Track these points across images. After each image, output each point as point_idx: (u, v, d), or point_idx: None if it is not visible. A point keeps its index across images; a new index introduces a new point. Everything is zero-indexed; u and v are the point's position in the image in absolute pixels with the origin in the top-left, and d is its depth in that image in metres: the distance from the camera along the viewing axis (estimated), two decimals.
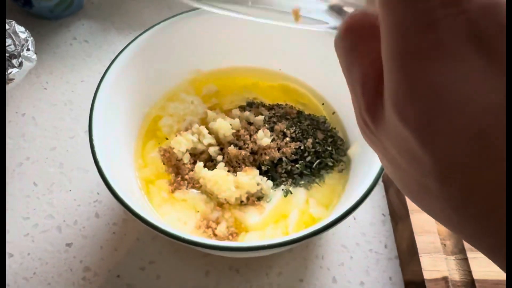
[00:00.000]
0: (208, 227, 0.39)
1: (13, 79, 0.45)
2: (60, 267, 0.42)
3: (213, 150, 0.43)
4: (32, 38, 0.47)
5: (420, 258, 0.39)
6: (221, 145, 0.44)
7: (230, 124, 0.44)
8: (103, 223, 0.45)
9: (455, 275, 0.39)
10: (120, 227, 0.45)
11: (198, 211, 0.40)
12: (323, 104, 0.48)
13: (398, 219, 0.44)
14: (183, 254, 0.43)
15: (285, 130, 0.44)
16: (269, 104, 0.48)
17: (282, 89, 0.50)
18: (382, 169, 0.35)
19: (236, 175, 0.41)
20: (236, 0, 0.23)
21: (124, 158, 0.42)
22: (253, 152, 0.43)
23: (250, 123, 0.45)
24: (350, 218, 0.45)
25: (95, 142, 0.36)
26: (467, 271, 0.39)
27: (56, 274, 0.42)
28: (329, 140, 0.44)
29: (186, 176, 0.42)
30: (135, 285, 0.41)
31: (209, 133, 0.44)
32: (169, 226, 0.34)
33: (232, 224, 0.40)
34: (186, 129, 0.45)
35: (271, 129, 0.44)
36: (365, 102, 0.17)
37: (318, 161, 0.43)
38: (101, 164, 0.35)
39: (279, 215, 0.40)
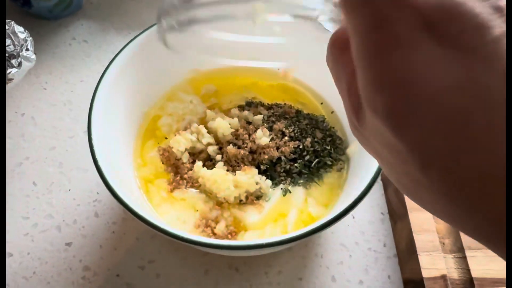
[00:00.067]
0: (207, 226, 0.39)
1: (12, 79, 0.45)
2: (59, 266, 0.42)
3: (212, 150, 0.43)
4: (31, 38, 0.47)
5: (419, 256, 0.39)
6: (220, 144, 0.44)
7: (229, 124, 0.44)
8: (102, 223, 0.45)
9: (454, 273, 0.39)
10: (119, 227, 0.45)
11: (197, 210, 0.40)
12: (321, 103, 0.48)
13: (397, 217, 0.44)
14: (182, 253, 0.43)
15: (284, 129, 0.44)
16: (268, 104, 0.48)
17: (281, 88, 0.50)
18: (380, 168, 0.35)
19: (235, 174, 0.41)
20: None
21: (123, 158, 0.42)
22: (252, 152, 0.43)
23: (249, 123, 0.45)
24: (349, 217, 0.45)
25: (94, 142, 0.36)
26: (466, 269, 0.39)
27: (56, 274, 0.42)
28: (328, 139, 0.45)
29: (185, 176, 0.42)
30: (135, 284, 0.41)
31: (208, 132, 0.44)
32: (168, 225, 0.34)
33: (231, 223, 0.40)
34: (185, 129, 0.45)
35: (270, 129, 0.44)
36: (351, 105, 0.19)
37: (317, 160, 0.43)
38: (100, 163, 0.35)
39: (278, 214, 0.40)
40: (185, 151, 0.43)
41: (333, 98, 0.48)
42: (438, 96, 0.15)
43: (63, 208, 0.46)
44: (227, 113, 0.47)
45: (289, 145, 0.43)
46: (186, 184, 0.41)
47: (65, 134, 0.51)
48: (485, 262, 0.39)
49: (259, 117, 0.45)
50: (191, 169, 0.42)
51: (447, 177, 0.16)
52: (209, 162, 0.43)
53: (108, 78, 0.40)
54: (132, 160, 0.43)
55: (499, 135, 0.14)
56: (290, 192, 0.41)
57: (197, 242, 0.32)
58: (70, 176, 0.48)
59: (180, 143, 0.42)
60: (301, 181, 0.42)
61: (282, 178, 0.42)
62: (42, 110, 0.53)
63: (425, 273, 0.38)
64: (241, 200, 0.41)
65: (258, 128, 0.44)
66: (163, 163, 0.43)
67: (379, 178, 0.49)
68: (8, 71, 0.45)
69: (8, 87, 0.46)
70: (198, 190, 0.41)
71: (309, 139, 0.43)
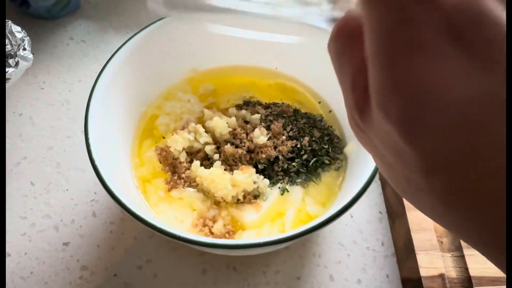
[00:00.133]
0: (204, 225, 0.39)
1: (9, 79, 0.45)
2: (57, 266, 0.42)
3: (209, 149, 0.43)
4: (28, 37, 0.47)
5: (417, 255, 0.39)
6: (218, 143, 0.44)
7: (227, 123, 0.44)
8: (100, 222, 0.45)
9: (452, 272, 0.39)
10: (117, 226, 0.45)
11: (194, 210, 0.40)
12: (319, 102, 0.48)
13: (395, 216, 0.44)
14: (180, 253, 0.43)
15: (281, 128, 0.44)
16: (265, 103, 0.48)
17: (278, 87, 0.50)
18: (377, 167, 0.35)
19: (232, 174, 0.41)
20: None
21: (120, 157, 0.42)
22: (249, 151, 0.43)
23: (246, 122, 0.45)
24: (347, 216, 0.45)
25: (91, 141, 0.36)
26: (464, 268, 0.39)
27: (53, 273, 0.42)
28: (326, 138, 0.45)
29: (183, 175, 0.42)
30: (132, 284, 0.41)
31: (206, 131, 0.44)
32: (166, 224, 0.34)
33: (228, 222, 0.40)
34: (183, 128, 0.45)
35: (268, 128, 0.44)
36: (355, 101, 0.18)
37: (314, 159, 0.43)
38: (97, 163, 0.35)
39: (275, 213, 0.40)
40: (182, 150, 0.43)
41: (331, 97, 0.48)
42: (458, 107, 0.14)
43: (60, 208, 0.46)
44: (224, 112, 0.47)
45: (286, 144, 0.43)
46: (183, 184, 0.41)
47: (63, 134, 0.51)
48: (483, 261, 0.38)
49: (257, 116, 0.45)
50: (188, 169, 0.42)
51: (451, 188, 0.15)
52: (207, 162, 0.43)
53: (105, 78, 0.40)
54: (130, 159, 0.43)
55: (501, 152, 0.14)
56: (287, 191, 0.41)
57: (194, 242, 0.32)
58: (68, 176, 0.48)
59: (178, 143, 0.42)
60: (299, 180, 0.42)
61: (280, 177, 0.42)
62: (39, 110, 0.53)
63: (423, 272, 0.38)
64: (238, 199, 0.41)
65: (256, 127, 0.44)
66: (160, 162, 0.43)
67: (377, 177, 0.49)
68: (6, 70, 0.45)
69: (6, 86, 0.45)
70: (195, 190, 0.41)
71: (307, 138, 0.43)
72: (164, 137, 0.45)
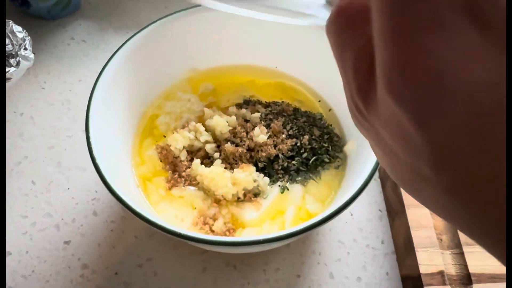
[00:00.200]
0: (205, 223, 0.39)
1: (10, 78, 0.45)
2: (58, 265, 0.42)
3: (209, 147, 0.43)
4: (29, 37, 0.47)
5: (417, 252, 0.39)
6: (218, 142, 0.44)
7: (227, 122, 0.44)
8: (101, 221, 0.45)
9: (451, 269, 0.39)
10: (118, 225, 0.45)
11: (195, 208, 0.40)
12: (319, 101, 0.48)
13: (395, 214, 0.44)
14: (180, 251, 0.43)
15: (281, 127, 0.44)
16: (265, 102, 0.48)
17: (278, 86, 0.50)
18: (377, 164, 0.35)
19: (233, 172, 0.41)
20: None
21: (121, 156, 0.42)
22: (249, 149, 0.43)
23: (246, 121, 0.46)
24: (347, 214, 0.46)
25: (92, 140, 0.36)
26: (463, 265, 0.39)
27: (54, 272, 0.42)
28: (326, 136, 0.45)
29: (183, 173, 0.42)
30: (133, 282, 0.42)
31: (206, 130, 0.44)
32: (167, 222, 0.34)
33: (229, 220, 0.40)
34: (183, 127, 0.45)
35: (268, 126, 0.44)
36: (357, 85, 0.17)
37: (314, 157, 0.43)
38: (98, 162, 0.35)
39: (275, 211, 0.41)
40: (183, 149, 0.43)
41: (331, 96, 0.48)
42: (475, 92, 0.13)
43: (61, 207, 0.46)
44: (224, 111, 0.47)
45: (286, 143, 0.43)
46: (184, 182, 0.42)
47: (63, 134, 0.51)
48: (483, 258, 0.39)
49: (257, 115, 0.45)
50: (189, 167, 0.42)
51: (461, 181, 0.15)
52: (207, 160, 0.43)
53: (106, 77, 0.41)
54: (130, 158, 0.43)
55: None
56: (287, 190, 0.42)
57: (195, 239, 0.32)
58: (69, 175, 0.48)
59: (178, 141, 0.42)
60: (299, 178, 0.42)
61: (280, 175, 0.42)
62: (40, 110, 0.53)
63: (423, 269, 0.39)
64: (239, 198, 0.41)
65: (256, 126, 0.44)
66: (161, 161, 0.43)
67: (377, 175, 0.49)
68: (7, 70, 0.45)
69: (7, 86, 0.46)
70: (196, 188, 0.42)
71: (306, 137, 0.44)
72: (165, 136, 0.45)
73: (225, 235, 0.39)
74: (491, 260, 0.39)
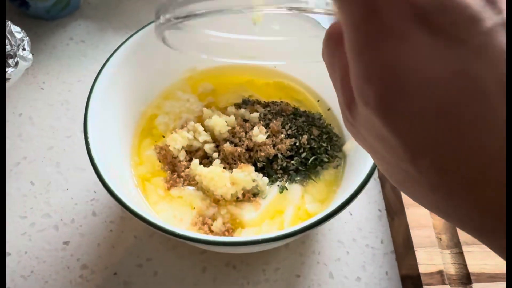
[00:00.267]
0: (204, 223, 0.39)
1: (9, 79, 0.45)
2: (57, 265, 0.42)
3: (208, 147, 0.43)
4: (28, 38, 0.47)
5: (416, 252, 0.39)
6: (217, 142, 0.44)
7: (226, 122, 0.44)
8: (100, 221, 0.45)
9: (451, 268, 0.39)
10: (117, 225, 0.45)
11: (194, 208, 0.40)
12: (318, 101, 0.48)
13: (394, 214, 0.44)
14: (179, 251, 0.43)
15: (280, 127, 0.44)
16: (264, 102, 0.48)
17: (277, 86, 0.50)
18: (375, 164, 0.35)
19: (231, 172, 0.41)
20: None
21: (120, 156, 0.42)
22: (248, 149, 0.43)
23: (245, 120, 0.46)
24: (346, 214, 0.45)
25: (90, 140, 0.36)
26: (463, 264, 0.39)
27: (54, 272, 0.42)
28: (325, 136, 0.45)
29: (182, 173, 0.42)
30: (132, 282, 0.41)
31: (205, 130, 0.44)
32: (166, 223, 0.34)
33: (228, 220, 0.40)
34: (182, 127, 0.45)
35: (267, 126, 0.44)
36: (345, 98, 0.19)
37: (313, 157, 0.43)
38: (97, 162, 0.35)
39: (275, 211, 0.41)
40: (181, 149, 0.43)
41: (329, 95, 0.48)
42: (428, 86, 0.15)
43: (60, 207, 0.46)
44: (223, 111, 0.47)
45: (285, 143, 0.43)
46: (183, 182, 0.42)
47: (62, 134, 0.51)
48: (482, 257, 0.39)
49: (256, 114, 0.45)
50: (188, 167, 0.42)
51: (434, 168, 0.16)
52: (206, 160, 0.43)
53: (104, 77, 0.41)
54: (129, 158, 0.43)
55: (490, 126, 0.15)
56: (286, 189, 0.42)
57: (194, 239, 0.32)
58: (68, 176, 0.48)
59: (177, 141, 0.42)
60: (298, 178, 0.42)
61: (279, 175, 0.42)
62: (39, 110, 0.53)
63: (422, 269, 0.39)
64: (238, 198, 0.41)
65: (255, 126, 0.44)
66: (160, 161, 0.43)
67: (376, 175, 0.49)
68: (5, 70, 0.45)
69: (6, 86, 0.46)
70: (195, 188, 0.42)
71: (305, 136, 0.43)
72: (164, 136, 0.45)
73: (224, 235, 0.39)
74: (490, 260, 0.39)
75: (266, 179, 0.41)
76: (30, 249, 0.43)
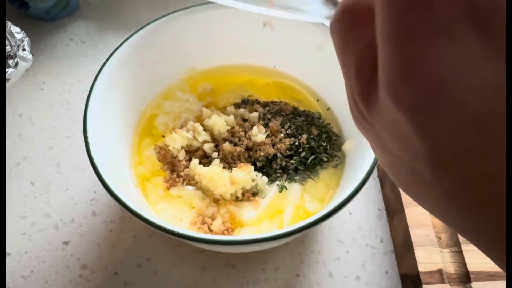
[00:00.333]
0: (203, 223, 0.39)
1: (9, 79, 0.45)
2: (57, 265, 0.42)
3: (208, 147, 0.43)
4: (27, 38, 0.47)
5: (415, 251, 0.39)
6: (216, 142, 0.44)
7: (225, 121, 0.44)
8: (100, 221, 0.45)
9: (450, 267, 0.39)
10: (117, 225, 0.45)
11: (193, 208, 0.41)
12: (317, 100, 0.48)
13: (393, 213, 0.44)
14: (179, 251, 0.43)
15: (279, 126, 0.44)
16: (263, 101, 0.48)
17: (277, 86, 0.50)
18: (375, 163, 0.35)
19: (231, 171, 0.41)
20: None
21: (119, 156, 0.42)
22: (248, 149, 0.43)
23: (245, 120, 0.46)
24: (346, 213, 0.45)
25: (89, 140, 0.36)
26: (462, 263, 0.39)
27: (54, 272, 0.42)
28: (324, 136, 0.45)
29: (182, 173, 0.42)
30: (132, 282, 0.42)
31: (204, 130, 0.44)
32: (165, 222, 0.34)
33: (227, 219, 0.40)
34: (182, 127, 0.45)
35: (266, 126, 0.44)
36: (359, 85, 0.17)
37: (313, 156, 0.43)
38: (96, 162, 0.35)
39: (274, 211, 0.41)
40: (181, 148, 0.43)
41: (329, 95, 0.48)
42: (473, 97, 0.13)
43: (60, 207, 0.46)
44: (223, 111, 0.47)
45: (285, 142, 0.43)
46: (182, 182, 0.42)
47: (62, 134, 0.51)
48: (481, 256, 0.38)
49: (255, 114, 0.45)
50: (187, 167, 0.42)
51: (459, 184, 0.15)
52: (205, 160, 0.43)
53: (104, 77, 0.41)
54: (129, 158, 0.44)
55: None
56: (286, 189, 0.42)
57: (193, 238, 0.32)
58: (68, 176, 0.48)
59: (176, 141, 0.42)
60: (297, 177, 0.42)
61: (278, 174, 0.42)
62: (39, 110, 0.53)
63: (422, 268, 0.39)
64: (237, 197, 0.41)
65: (254, 126, 0.44)
66: (159, 161, 0.43)
67: (375, 174, 0.49)
68: (5, 71, 0.45)
69: (6, 87, 0.46)
70: (194, 188, 0.42)
71: (305, 136, 0.44)
72: (163, 136, 0.45)
73: (224, 234, 0.39)
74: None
75: (265, 179, 0.42)
76: (30, 249, 0.43)
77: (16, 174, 0.48)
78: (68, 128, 0.52)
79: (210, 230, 0.39)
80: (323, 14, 0.23)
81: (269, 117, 0.46)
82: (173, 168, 0.43)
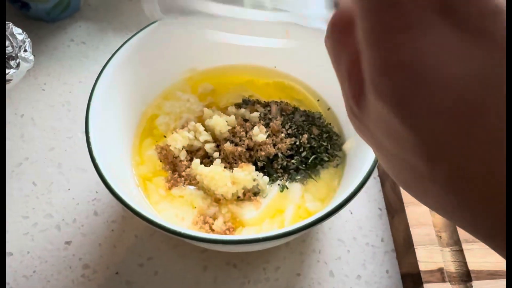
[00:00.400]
0: (205, 222, 0.39)
1: (10, 80, 0.45)
2: (59, 265, 0.43)
3: (209, 147, 0.43)
4: (29, 39, 0.47)
5: (416, 250, 0.40)
6: (217, 142, 0.44)
7: (226, 121, 0.44)
8: (101, 221, 0.45)
9: (451, 266, 0.39)
10: (118, 225, 0.45)
11: (195, 207, 0.41)
12: (318, 100, 0.49)
13: (394, 212, 0.45)
14: (181, 250, 0.43)
15: (280, 126, 0.45)
16: (264, 101, 0.48)
17: (277, 86, 0.50)
18: (376, 162, 0.35)
19: (232, 171, 0.41)
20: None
21: (121, 156, 0.42)
22: (249, 148, 0.43)
23: (245, 120, 0.46)
24: (346, 212, 0.46)
25: (91, 141, 0.36)
26: (463, 262, 0.39)
27: (56, 272, 0.42)
28: (325, 135, 0.45)
29: (183, 173, 0.42)
30: (134, 281, 0.42)
31: (205, 130, 0.44)
32: (167, 222, 0.34)
33: (229, 219, 0.40)
34: (183, 127, 0.45)
35: (267, 126, 0.45)
36: (351, 90, 0.18)
37: (313, 156, 0.43)
38: (98, 162, 0.35)
39: (275, 210, 0.41)
40: (182, 148, 0.43)
41: (329, 95, 0.48)
42: (453, 83, 0.14)
43: (62, 207, 0.46)
44: (224, 111, 0.47)
45: (285, 142, 0.43)
46: (184, 182, 0.42)
47: (64, 135, 0.52)
48: (482, 255, 0.39)
49: (256, 114, 0.46)
50: (188, 167, 0.42)
51: (453, 170, 0.15)
52: (207, 160, 0.43)
53: (105, 78, 0.41)
54: (130, 158, 0.44)
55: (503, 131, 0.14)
56: (287, 188, 0.42)
57: (195, 238, 0.32)
58: (69, 176, 0.48)
59: (178, 141, 0.43)
60: (298, 177, 0.42)
61: (279, 174, 0.42)
62: (41, 111, 0.54)
63: (422, 267, 0.39)
64: (238, 197, 0.41)
65: (255, 125, 0.44)
66: (161, 161, 0.44)
67: (376, 173, 0.49)
68: (7, 72, 0.45)
69: (7, 88, 0.46)
70: (196, 187, 0.42)
71: (305, 136, 0.44)
72: (165, 136, 0.45)
73: (225, 234, 0.39)
74: (490, 257, 0.39)
75: (266, 178, 0.42)
76: (32, 249, 0.43)
77: (18, 174, 0.48)
78: (69, 129, 0.52)
79: (212, 230, 0.39)
80: (323, 19, 0.23)
81: (269, 117, 0.46)
82: (174, 168, 0.43)
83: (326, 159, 0.43)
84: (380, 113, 0.16)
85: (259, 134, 0.43)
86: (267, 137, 0.43)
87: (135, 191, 0.41)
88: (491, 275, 0.38)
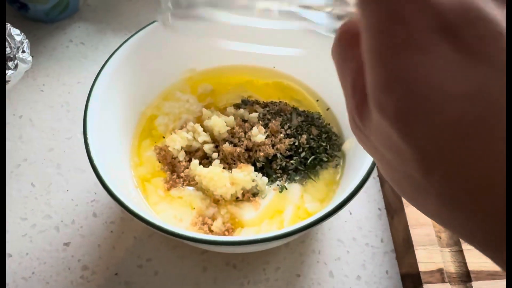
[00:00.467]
0: (204, 223, 0.39)
1: (9, 81, 0.45)
2: (58, 266, 0.42)
3: (208, 148, 0.43)
4: (27, 40, 0.47)
5: (416, 250, 0.39)
6: (216, 142, 0.44)
7: (225, 122, 0.44)
8: (100, 222, 0.45)
9: (450, 267, 0.39)
10: (117, 226, 0.45)
11: (194, 208, 0.41)
12: (317, 100, 0.48)
13: (394, 212, 0.44)
14: (180, 251, 0.43)
15: (279, 126, 0.44)
16: (263, 102, 0.48)
17: (276, 86, 0.50)
18: (375, 163, 0.35)
19: (231, 172, 0.41)
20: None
21: (119, 157, 0.42)
22: (248, 149, 0.43)
23: (244, 121, 0.46)
24: (346, 212, 0.46)
25: (89, 142, 0.36)
26: (462, 262, 0.39)
27: (55, 273, 0.42)
28: (324, 136, 0.45)
29: (182, 174, 0.42)
30: (133, 282, 0.42)
31: (204, 131, 0.44)
32: (166, 223, 0.34)
33: (228, 220, 0.40)
34: (182, 128, 0.45)
35: (266, 126, 0.45)
36: (354, 101, 0.18)
37: (312, 157, 0.43)
38: (96, 163, 0.35)
39: (274, 211, 0.41)
40: (181, 149, 0.43)
41: (328, 95, 0.48)
42: (451, 102, 0.14)
43: (61, 208, 0.46)
44: (223, 111, 0.47)
45: (284, 142, 0.43)
46: (182, 183, 0.42)
47: (62, 136, 0.51)
48: (481, 255, 0.38)
49: (255, 115, 0.45)
50: (187, 168, 0.42)
51: (449, 184, 0.15)
52: (206, 160, 0.43)
53: (104, 78, 0.41)
54: (129, 159, 0.44)
55: (500, 148, 0.14)
56: (286, 189, 0.42)
57: (194, 239, 0.32)
58: (68, 177, 0.48)
59: (176, 142, 0.43)
60: (297, 177, 0.42)
61: (278, 175, 0.42)
62: (39, 112, 0.53)
63: (422, 267, 0.39)
64: (237, 197, 0.41)
65: (254, 126, 0.44)
66: (159, 162, 0.44)
67: (375, 174, 0.49)
68: (5, 73, 0.45)
69: (6, 89, 0.46)
70: (194, 188, 0.42)
71: (304, 136, 0.44)
72: (163, 137, 0.45)
73: (224, 234, 0.39)
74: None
75: (265, 179, 0.42)
76: (31, 250, 0.43)
77: (17, 175, 0.48)
78: (68, 130, 0.52)
79: (211, 231, 0.39)
80: (330, 27, 0.23)
81: (268, 117, 0.46)
82: (173, 169, 0.43)
83: (325, 159, 0.43)
84: (381, 127, 0.17)
85: (258, 134, 0.43)
86: (266, 137, 0.43)
87: (134, 192, 0.41)
88: (491, 275, 0.38)
